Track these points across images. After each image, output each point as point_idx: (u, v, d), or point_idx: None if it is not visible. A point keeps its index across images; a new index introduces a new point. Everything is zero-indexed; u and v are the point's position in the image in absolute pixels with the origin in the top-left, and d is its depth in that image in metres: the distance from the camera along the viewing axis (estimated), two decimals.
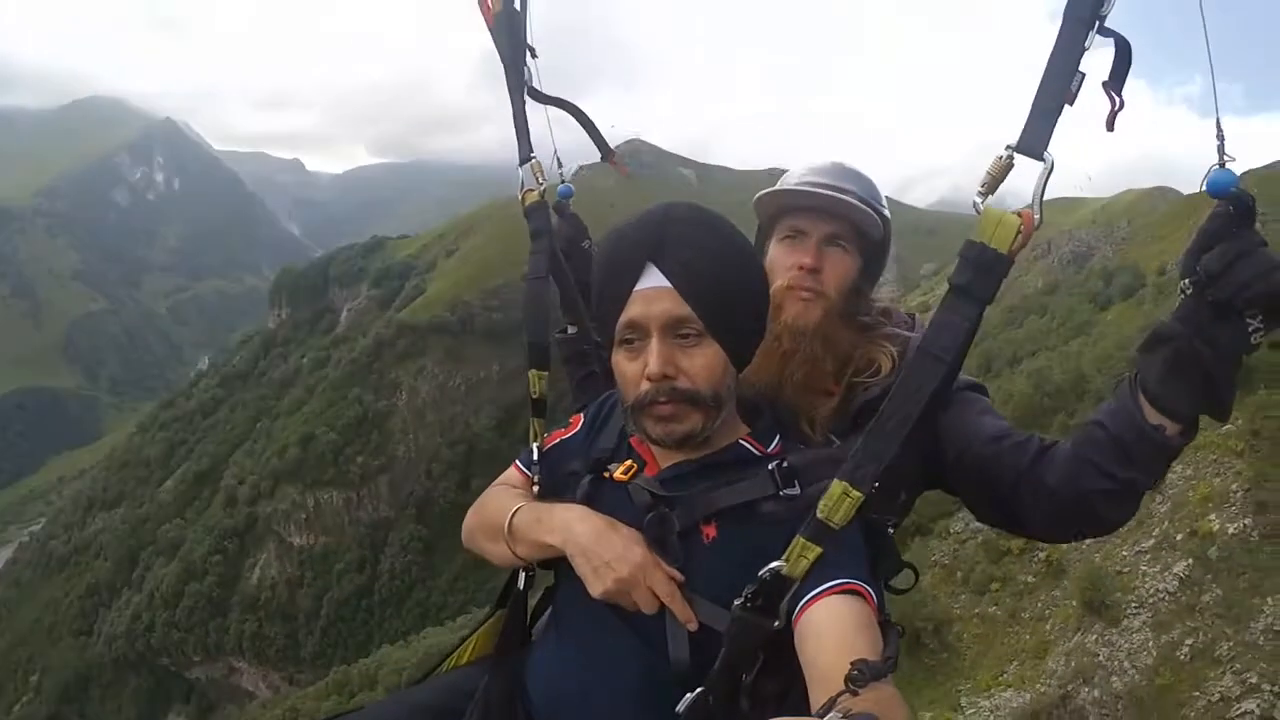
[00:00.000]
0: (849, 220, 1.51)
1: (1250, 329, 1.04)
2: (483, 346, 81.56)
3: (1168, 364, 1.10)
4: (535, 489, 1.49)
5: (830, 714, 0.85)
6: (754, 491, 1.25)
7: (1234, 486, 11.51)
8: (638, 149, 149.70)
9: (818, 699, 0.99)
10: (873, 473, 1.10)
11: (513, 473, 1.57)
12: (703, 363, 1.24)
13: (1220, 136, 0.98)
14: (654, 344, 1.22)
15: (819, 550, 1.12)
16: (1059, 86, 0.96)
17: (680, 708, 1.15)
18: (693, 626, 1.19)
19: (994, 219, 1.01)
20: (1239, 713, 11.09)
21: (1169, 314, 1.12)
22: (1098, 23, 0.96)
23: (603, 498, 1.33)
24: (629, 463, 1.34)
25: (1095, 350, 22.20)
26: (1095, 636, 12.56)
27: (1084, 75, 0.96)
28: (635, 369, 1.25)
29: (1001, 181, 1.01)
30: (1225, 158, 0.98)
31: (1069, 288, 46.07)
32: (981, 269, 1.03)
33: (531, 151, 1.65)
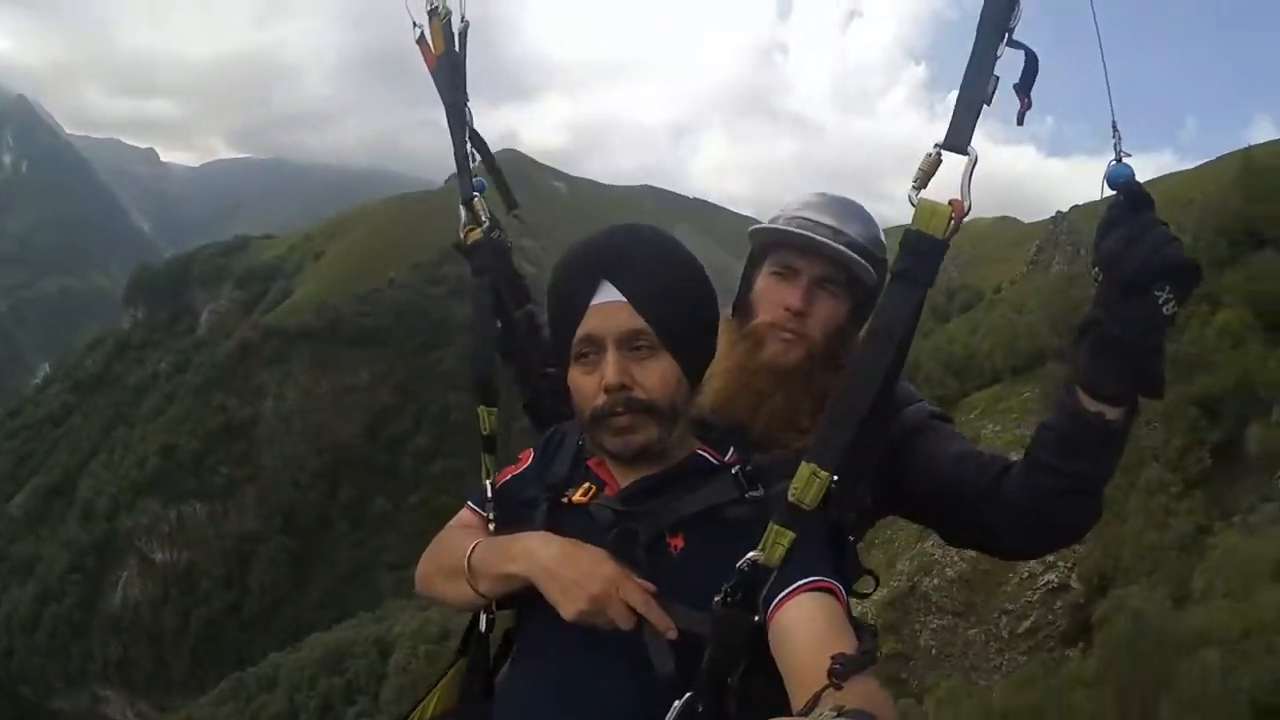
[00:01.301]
0: (843, 264, 1.52)
1: (1161, 301, 1.13)
2: (351, 352, 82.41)
3: (1092, 350, 1.20)
4: (491, 526, 1.48)
5: (825, 714, 0.85)
6: (718, 496, 1.28)
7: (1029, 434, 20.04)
8: (511, 159, 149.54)
9: (797, 697, 1.03)
10: (837, 452, 1.16)
11: (465, 514, 1.55)
12: (658, 374, 1.27)
13: (1116, 137, 1.11)
14: (610, 356, 1.26)
15: (792, 535, 1.17)
16: (978, 89, 1.07)
17: (669, 718, 1.15)
18: (672, 634, 1.18)
19: (928, 209, 1.10)
20: (1043, 584, 17.54)
21: (1093, 303, 1.21)
22: (1007, 34, 1.09)
23: (563, 523, 1.32)
24: (586, 485, 1.35)
25: (928, 344, 30.60)
26: (931, 542, 19.52)
27: (999, 79, 1.08)
28: (591, 383, 1.28)
29: (932, 176, 1.10)
30: (1122, 154, 1.12)
31: None
32: (920, 255, 1.12)
33: (475, 191, 1.67)
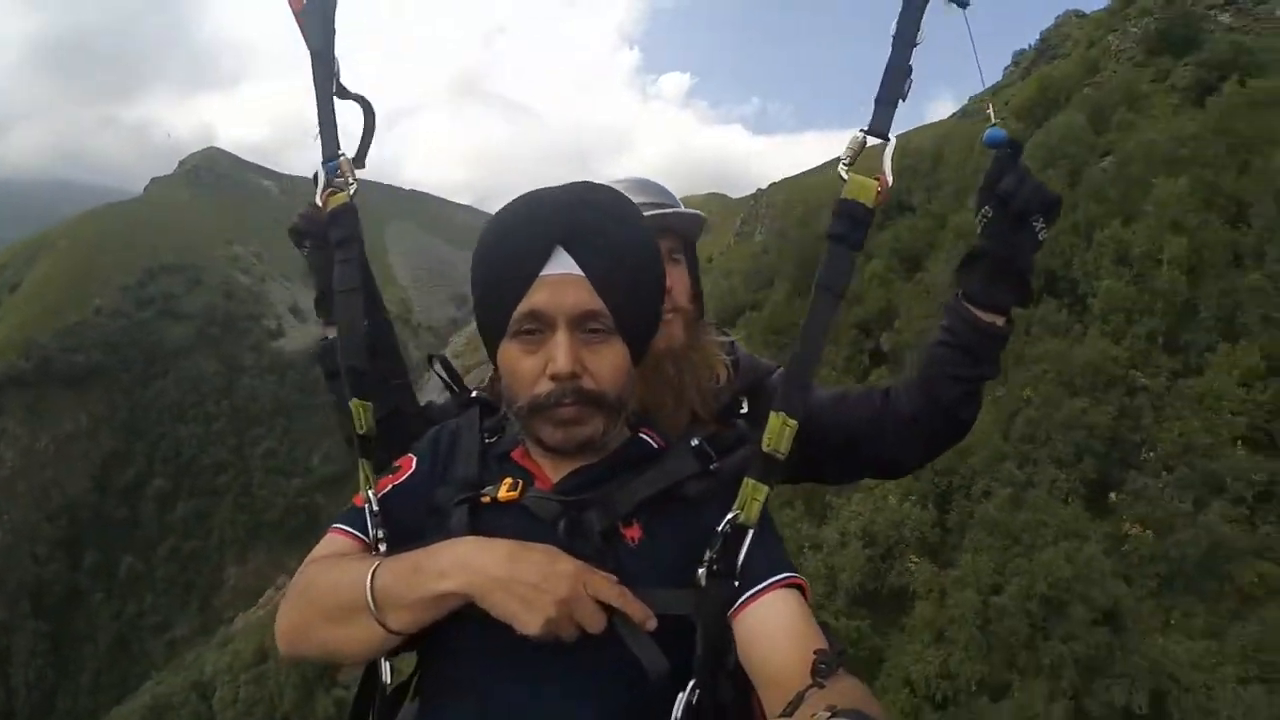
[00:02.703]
0: (675, 232, 1.59)
1: (1038, 229, 1.36)
2: (65, 396, 75.78)
3: (989, 272, 1.40)
4: (382, 547, 1.23)
5: (820, 714, 0.83)
6: (678, 472, 1.21)
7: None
8: (215, 158, 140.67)
9: (774, 697, 1.01)
10: (802, 399, 1.21)
11: (334, 540, 1.27)
12: (610, 362, 1.16)
13: (990, 108, 1.54)
14: (561, 338, 1.13)
15: (767, 490, 1.18)
16: (895, 89, 1.25)
17: (677, 712, 1.08)
18: (652, 624, 1.07)
19: (858, 182, 1.23)
20: None
21: (977, 238, 1.42)
22: (917, 44, 1.26)
23: (490, 526, 1.15)
24: (510, 480, 1.20)
25: None
26: None
27: (912, 81, 1.26)
28: (533, 365, 1.15)
29: (859, 155, 1.27)
30: (995, 121, 1.38)
31: None
32: (853, 220, 1.23)
33: (340, 149, 1.51)
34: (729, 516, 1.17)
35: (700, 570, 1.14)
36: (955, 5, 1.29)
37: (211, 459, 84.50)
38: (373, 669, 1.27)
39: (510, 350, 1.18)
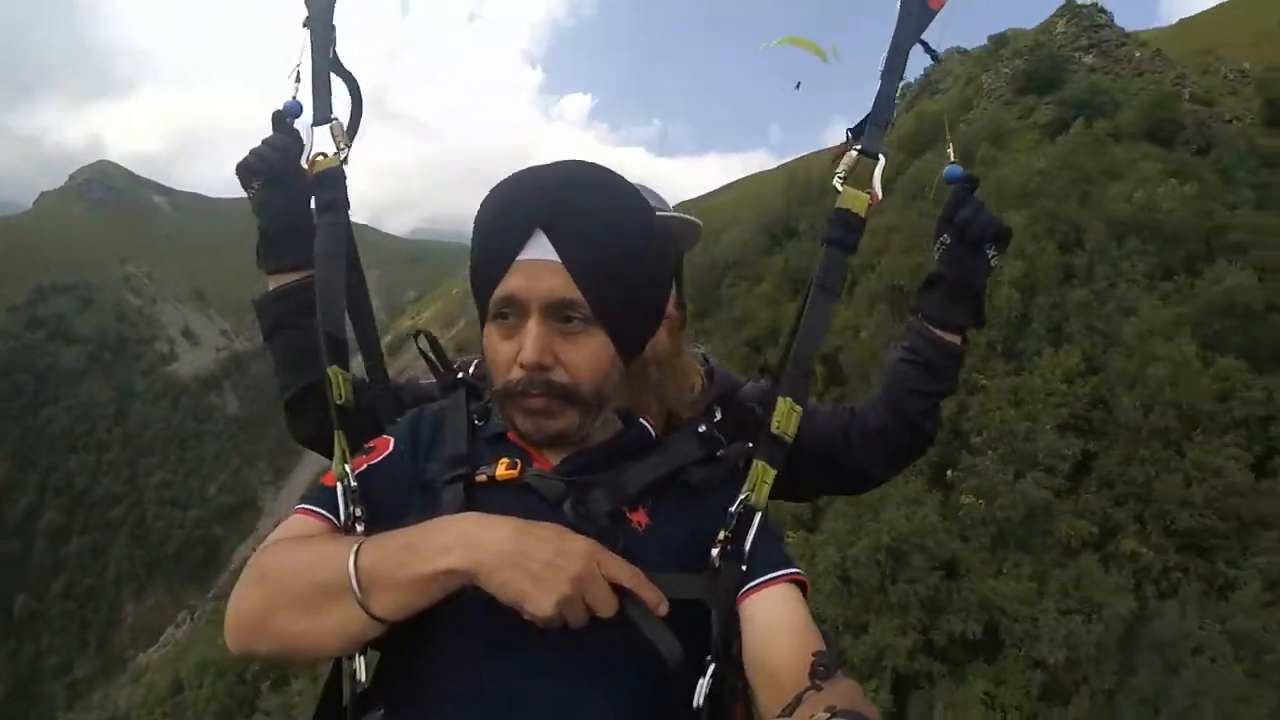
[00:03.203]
0: (670, 235, 1.56)
1: (990, 256, 1.49)
2: None
3: (948, 294, 1.51)
4: (359, 527, 1.13)
5: (820, 715, 0.83)
6: (684, 457, 1.19)
7: None
8: (107, 171, 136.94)
9: (771, 694, 1.00)
10: (804, 386, 1.27)
11: (301, 522, 1.15)
12: (586, 355, 1.11)
13: (950, 147, 1.55)
14: (531, 327, 1.09)
15: (775, 472, 1.20)
16: (884, 112, 1.39)
17: (698, 699, 1.05)
18: (664, 609, 1.03)
19: (852, 194, 1.34)
20: None
21: (936, 264, 1.52)
22: (903, 75, 1.38)
23: (487, 505, 1.07)
24: (508, 459, 1.14)
25: None
26: None
27: (898, 104, 1.36)
28: (507, 351, 1.12)
29: (852, 170, 1.38)
30: (953, 161, 1.52)
31: None
32: (849, 227, 1.33)
33: (332, 113, 1.49)
34: (741, 497, 1.16)
35: (714, 551, 1.12)
36: (928, 54, 1.46)
37: (105, 490, 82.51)
38: (336, 672, 1.15)
39: (490, 333, 1.15)
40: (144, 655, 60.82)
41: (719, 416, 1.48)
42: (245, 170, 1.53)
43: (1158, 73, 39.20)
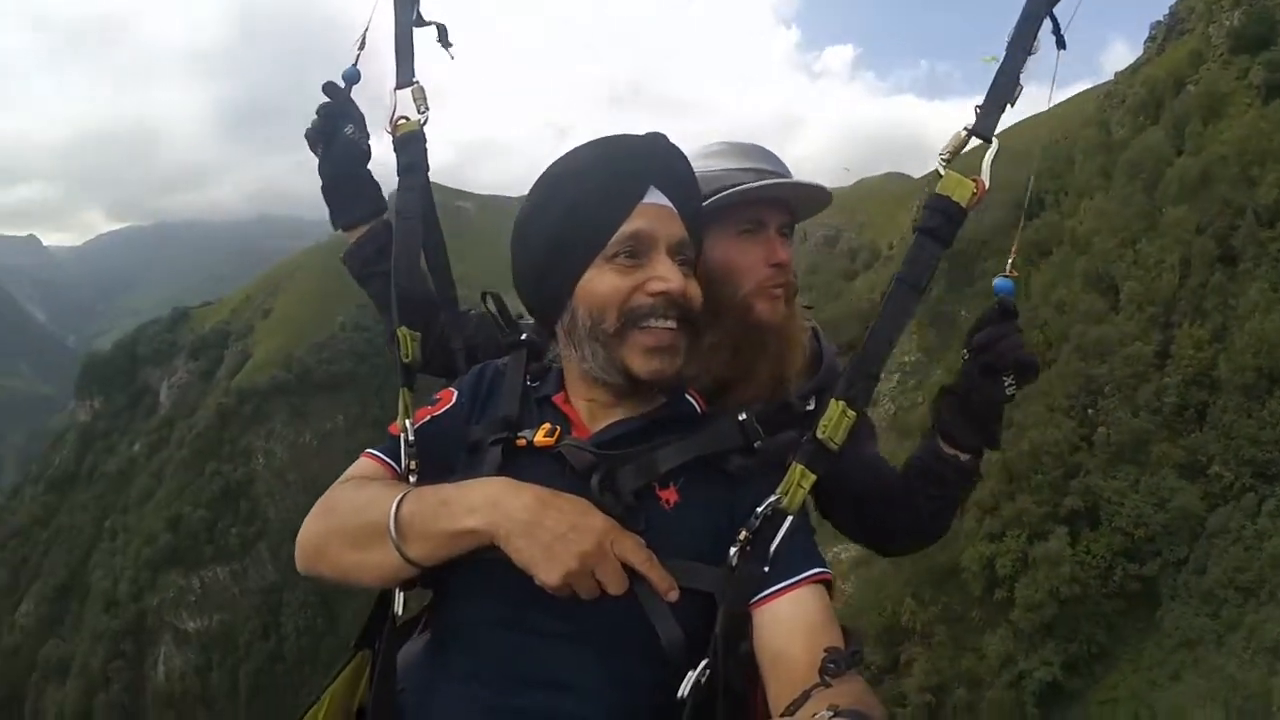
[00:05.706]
0: (790, 206, 1.62)
1: (1006, 385, 1.42)
2: (323, 399, 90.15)
3: (953, 410, 1.49)
4: (412, 478, 1.27)
5: (822, 713, 0.86)
6: (721, 443, 1.22)
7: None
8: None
9: (782, 695, 1.04)
10: (866, 390, 1.23)
11: (365, 464, 1.33)
12: (698, 291, 1.25)
13: (1012, 256, 1.43)
14: (665, 259, 1.21)
15: (814, 478, 1.19)
16: (1005, 93, 1.29)
17: (684, 689, 1.08)
18: (674, 595, 1.09)
19: (955, 180, 1.25)
20: None
21: (956, 374, 1.50)
22: (1030, 52, 1.31)
23: (522, 470, 1.18)
24: (549, 425, 1.24)
25: (846, 309, 42.67)
26: None
27: (1022, 88, 1.29)
28: (627, 285, 1.19)
29: (959, 152, 1.28)
30: (1011, 271, 1.44)
31: (825, 265, 68.26)
32: (948, 216, 1.25)
33: (414, 76, 1.59)
34: (770, 499, 1.17)
35: (733, 550, 1.15)
36: (1054, 37, 1.34)
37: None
38: (385, 597, 1.29)
39: (599, 275, 1.22)
40: None
41: (812, 405, 1.55)
42: (308, 139, 1.74)
43: None
